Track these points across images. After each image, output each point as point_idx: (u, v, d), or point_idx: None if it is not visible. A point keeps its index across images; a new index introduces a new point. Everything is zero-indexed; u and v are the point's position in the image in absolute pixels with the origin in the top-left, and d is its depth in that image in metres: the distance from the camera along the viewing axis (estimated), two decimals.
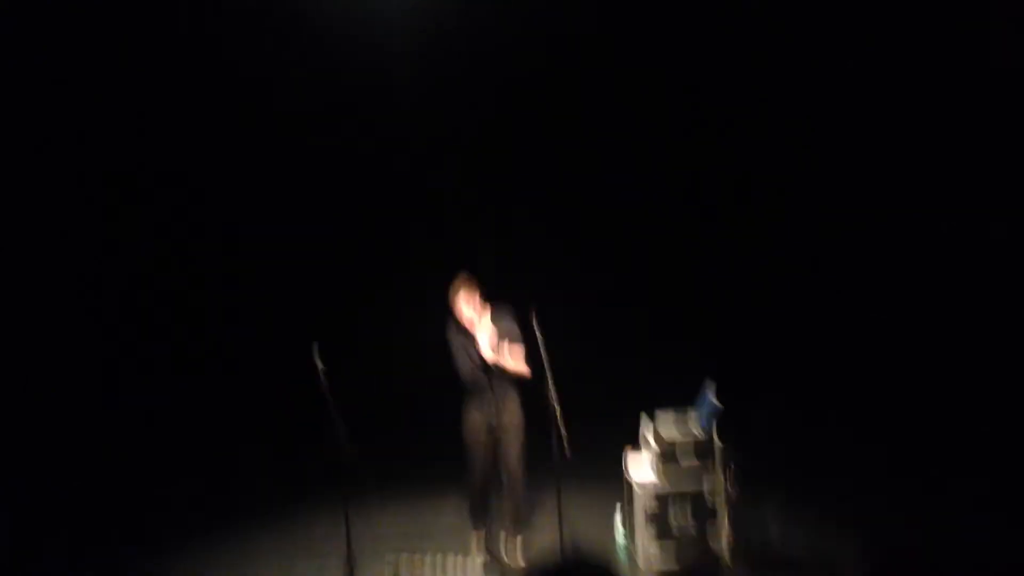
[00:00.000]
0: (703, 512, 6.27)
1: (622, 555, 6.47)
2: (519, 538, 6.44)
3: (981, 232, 8.70)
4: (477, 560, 6.33)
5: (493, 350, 6.07)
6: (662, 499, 6.29)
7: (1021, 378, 8.24)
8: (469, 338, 6.17)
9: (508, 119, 9.72)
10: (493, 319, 6.20)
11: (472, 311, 6.12)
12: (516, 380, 6.26)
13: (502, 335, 6.15)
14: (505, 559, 6.41)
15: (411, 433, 8.69)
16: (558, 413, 5.84)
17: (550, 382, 5.86)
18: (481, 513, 6.45)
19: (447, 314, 6.27)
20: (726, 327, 9.89)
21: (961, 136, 8.72)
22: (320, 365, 5.88)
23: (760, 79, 9.59)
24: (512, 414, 6.26)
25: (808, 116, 9.50)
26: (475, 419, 6.26)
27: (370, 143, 9.71)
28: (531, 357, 6.05)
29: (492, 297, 6.32)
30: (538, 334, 5.94)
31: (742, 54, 9.53)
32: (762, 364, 9.46)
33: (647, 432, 6.57)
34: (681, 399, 6.64)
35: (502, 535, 6.51)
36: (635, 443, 6.75)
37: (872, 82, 9.23)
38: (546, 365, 5.88)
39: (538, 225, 9.83)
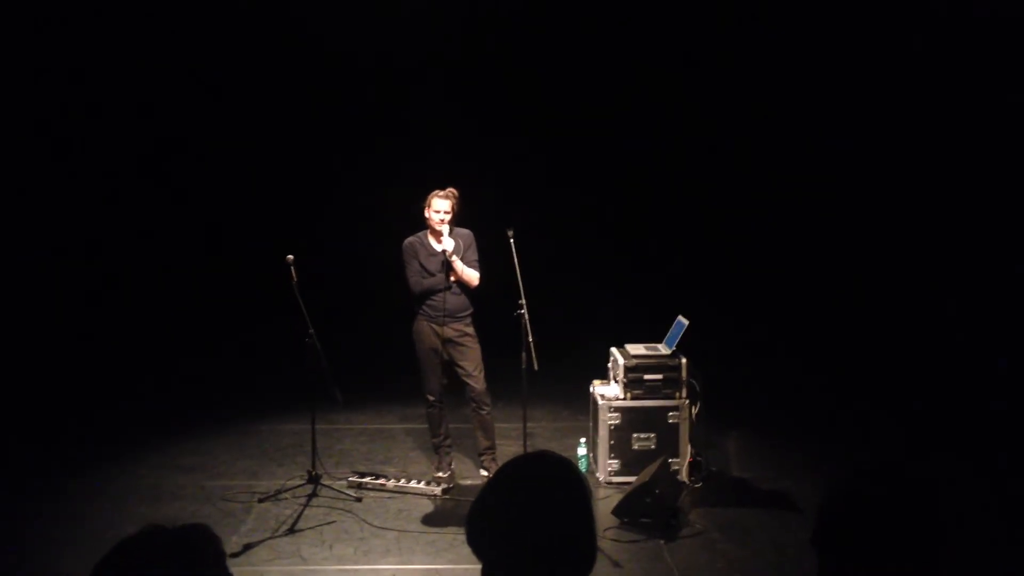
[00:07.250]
0: (664, 427, 6.42)
1: (582, 465, 6.61)
2: (493, 452, 6.48)
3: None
4: (438, 485, 6.29)
5: (455, 255, 6.14)
6: (624, 412, 6.43)
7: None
8: (425, 249, 6.25)
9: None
10: (454, 237, 6.26)
11: (442, 218, 6.18)
12: (470, 294, 6.33)
13: (461, 256, 6.25)
14: (481, 473, 6.51)
15: (381, 356, 8.74)
16: (527, 320, 5.96)
17: (522, 294, 5.98)
18: (439, 427, 6.42)
19: (407, 230, 6.36)
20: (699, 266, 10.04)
21: None
22: (294, 279, 6.00)
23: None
24: (465, 324, 6.31)
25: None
26: (424, 329, 6.29)
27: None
28: (507, 275, 6.13)
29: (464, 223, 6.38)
30: (514, 251, 6.06)
31: None
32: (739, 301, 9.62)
33: (616, 354, 6.70)
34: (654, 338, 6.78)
35: (480, 449, 6.57)
36: (604, 376, 6.88)
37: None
38: (519, 278, 6.00)
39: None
